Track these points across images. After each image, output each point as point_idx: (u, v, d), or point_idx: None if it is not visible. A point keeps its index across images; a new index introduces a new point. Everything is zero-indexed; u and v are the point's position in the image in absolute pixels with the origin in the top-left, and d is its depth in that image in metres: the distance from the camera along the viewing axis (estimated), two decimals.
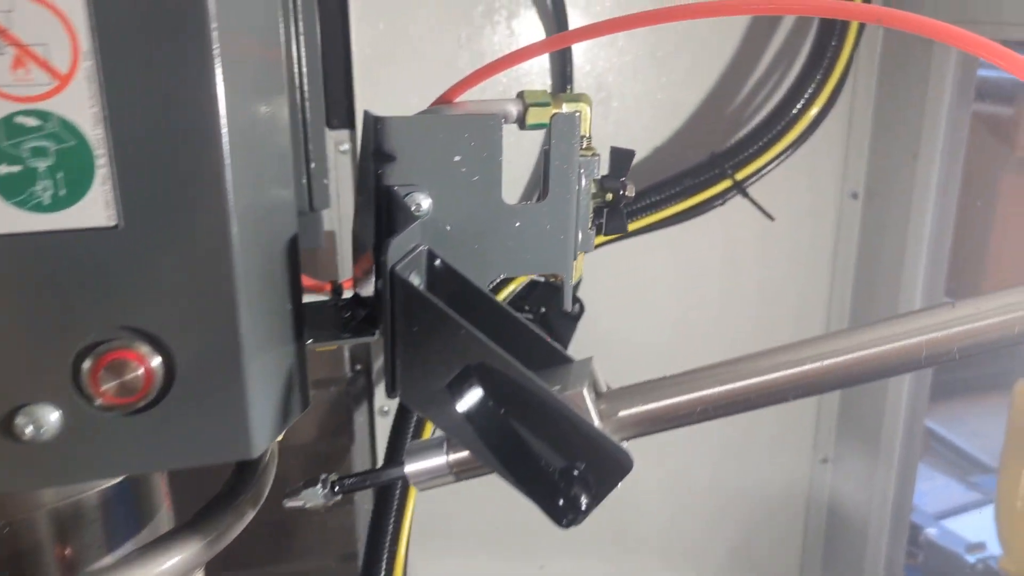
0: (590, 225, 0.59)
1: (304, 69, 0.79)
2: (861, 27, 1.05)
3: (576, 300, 1.13)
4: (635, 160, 1.15)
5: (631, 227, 1.07)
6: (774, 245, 1.26)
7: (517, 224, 0.55)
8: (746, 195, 1.07)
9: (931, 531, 1.56)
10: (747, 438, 1.35)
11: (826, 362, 0.39)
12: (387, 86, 1.02)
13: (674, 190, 1.06)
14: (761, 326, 1.30)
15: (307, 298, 0.73)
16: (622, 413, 0.42)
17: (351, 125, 1.03)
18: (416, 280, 0.42)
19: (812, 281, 1.31)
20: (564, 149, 0.54)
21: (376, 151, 0.50)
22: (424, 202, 0.51)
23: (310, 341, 0.54)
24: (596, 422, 0.41)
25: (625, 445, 0.43)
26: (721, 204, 1.06)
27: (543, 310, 1.07)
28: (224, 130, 0.35)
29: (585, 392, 0.41)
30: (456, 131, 0.51)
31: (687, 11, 0.48)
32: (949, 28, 0.40)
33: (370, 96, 1.01)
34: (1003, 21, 1.01)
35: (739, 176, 1.05)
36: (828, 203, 1.27)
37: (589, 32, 0.54)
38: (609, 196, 0.59)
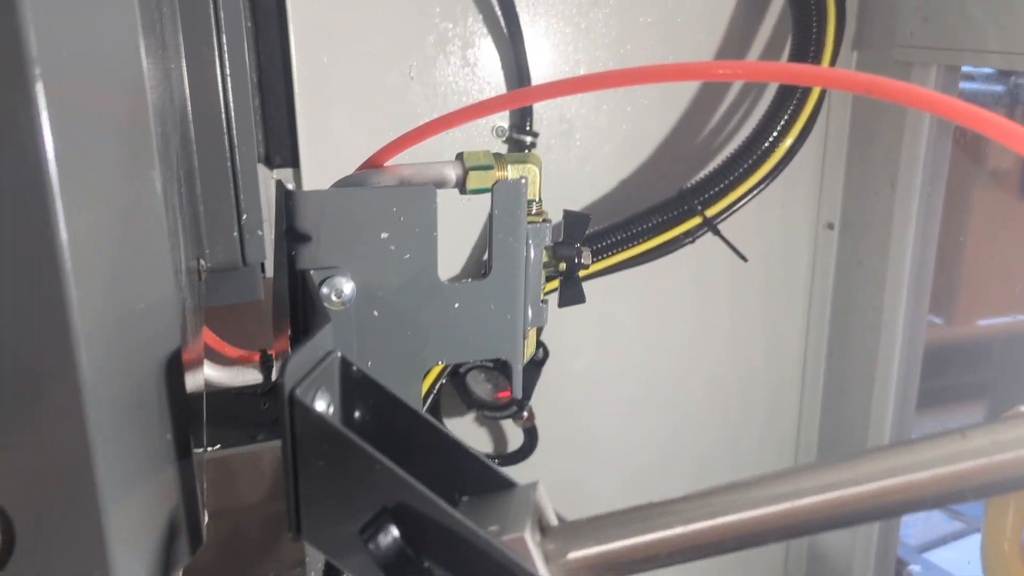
0: (542, 298, 0.52)
1: (232, 110, 0.72)
2: (836, 50, 0.99)
3: (540, 345, 1.06)
4: (601, 194, 1.09)
5: (599, 266, 1.00)
6: (747, 281, 1.20)
7: (457, 305, 0.48)
8: (717, 233, 1.01)
9: (915, 568, 1.50)
10: (724, 468, 1.29)
11: (810, 500, 0.33)
12: (333, 122, 0.95)
13: (641, 227, 1.00)
14: (735, 365, 1.25)
15: (232, 373, 0.66)
16: (572, 555, 0.35)
17: (295, 164, 0.96)
18: (323, 402, 0.35)
19: (787, 317, 1.25)
20: (508, 220, 0.47)
21: (288, 229, 0.43)
22: (346, 287, 0.44)
23: (216, 447, 0.46)
24: (541, 569, 0.34)
25: None
26: (691, 242, 1.00)
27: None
28: (61, 227, 0.28)
29: (527, 535, 0.34)
30: (382, 204, 0.44)
31: (664, 72, 0.42)
32: (944, 99, 0.34)
33: (315, 133, 0.94)
34: (982, 48, 0.96)
35: (709, 213, 0.99)
36: (803, 235, 1.22)
37: (550, 91, 0.48)
38: (563, 265, 0.52)
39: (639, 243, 1.00)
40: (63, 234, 0.27)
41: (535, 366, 1.06)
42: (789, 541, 1.38)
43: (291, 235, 0.43)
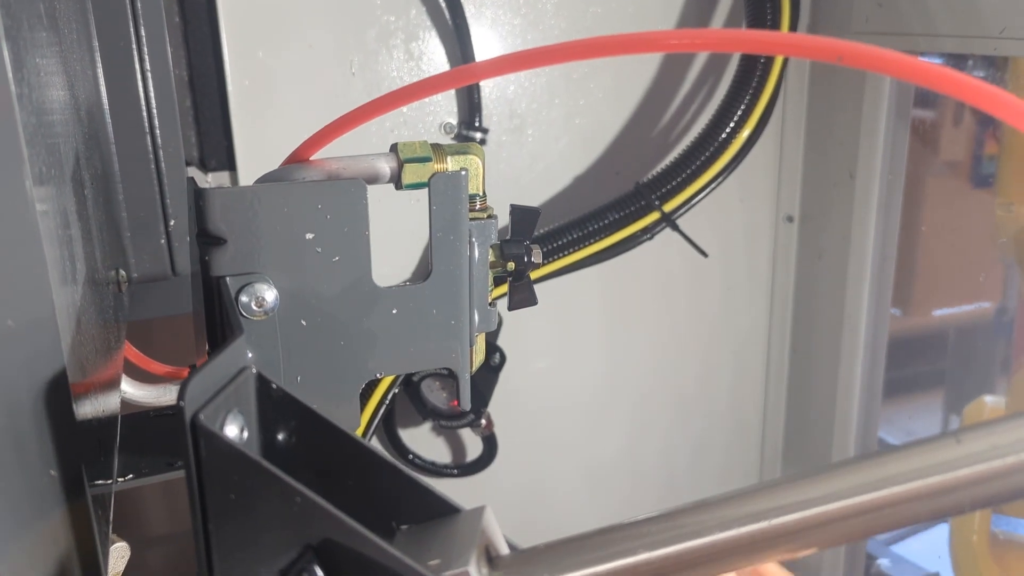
0: (489, 301, 0.48)
1: (155, 112, 0.67)
2: None
3: (497, 349, 1.02)
4: (555, 191, 1.05)
5: (555, 266, 0.96)
6: (708, 277, 1.17)
7: (395, 311, 0.44)
8: (676, 228, 0.98)
9: (883, 561, 1.49)
10: (688, 466, 1.26)
11: (791, 517, 0.29)
12: (271, 121, 0.90)
13: (598, 224, 0.96)
14: (699, 361, 1.22)
15: (158, 392, 0.60)
16: None
17: (231, 166, 0.91)
18: (234, 427, 0.30)
19: (750, 312, 1.23)
20: (448, 216, 0.43)
21: (200, 232, 0.39)
22: (268, 294, 0.40)
23: (128, 476, 0.42)
24: None
25: None
26: (649, 239, 0.97)
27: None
28: None
29: (472, 569, 0.30)
30: (307, 202, 0.40)
31: (615, 45, 0.38)
32: (918, 63, 0.30)
33: (252, 133, 0.89)
34: (934, 32, 0.94)
35: (667, 207, 0.96)
36: (763, 228, 1.19)
37: (495, 67, 0.43)
38: (511, 265, 0.48)
39: (596, 241, 0.96)
40: None
41: (492, 371, 1.01)
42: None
43: (203, 238, 0.39)
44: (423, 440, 1.08)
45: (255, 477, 0.29)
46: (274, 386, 0.33)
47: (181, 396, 0.29)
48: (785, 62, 0.97)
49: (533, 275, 0.95)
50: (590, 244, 0.96)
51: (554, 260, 0.95)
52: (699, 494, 1.06)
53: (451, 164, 0.45)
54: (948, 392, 1.40)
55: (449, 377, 0.97)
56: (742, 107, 0.97)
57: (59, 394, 0.30)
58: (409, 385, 0.98)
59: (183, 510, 1.02)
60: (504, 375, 1.04)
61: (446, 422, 1.01)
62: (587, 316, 1.12)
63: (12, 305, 0.28)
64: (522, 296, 0.51)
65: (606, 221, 0.96)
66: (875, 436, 1.20)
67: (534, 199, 1.04)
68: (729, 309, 1.21)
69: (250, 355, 0.34)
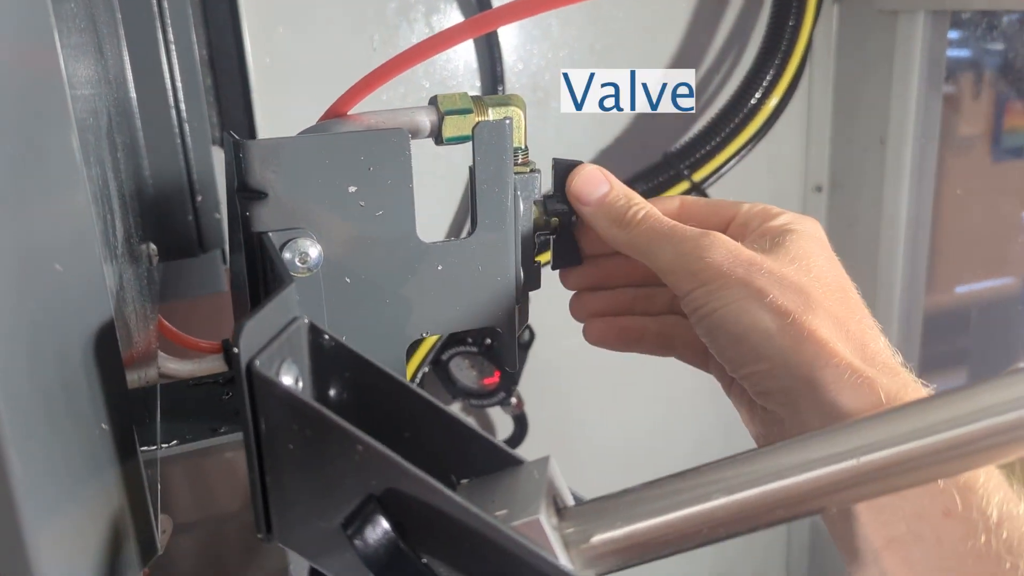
0: (535, 258, 0.47)
1: (179, 86, 0.66)
2: (819, 4, 0.94)
3: (526, 326, 1.01)
4: None
5: None
6: None
7: (440, 268, 0.42)
8: (706, 197, 0.96)
9: None
10: (720, 442, 1.24)
11: (886, 454, 0.27)
12: (292, 99, 0.89)
13: None
14: None
15: (194, 365, 0.59)
16: (597, 539, 0.29)
17: None
18: (289, 377, 0.29)
19: None
20: (493, 168, 0.42)
21: (240, 187, 0.38)
22: (312, 250, 0.38)
23: (172, 443, 0.41)
24: (561, 559, 0.29)
25: None
26: None
27: (488, 341, 0.95)
28: None
29: (543, 518, 0.29)
30: (347, 153, 0.39)
31: None
32: None
33: (273, 109, 0.88)
34: None
35: (696, 177, 0.94)
36: (790, 198, 1.17)
37: (516, 10, 0.42)
38: (555, 220, 0.46)
39: None
40: None
41: (522, 349, 1.00)
42: (790, 533, 1.34)
43: (244, 192, 0.37)
44: None
45: (315, 426, 0.28)
46: (326, 336, 0.32)
47: (235, 341, 0.28)
48: (813, 26, 0.95)
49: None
50: None
51: None
52: None
53: (492, 115, 0.43)
54: (972, 368, 1.38)
55: (478, 355, 0.96)
56: (770, 74, 0.95)
57: (107, 345, 0.29)
58: (438, 364, 0.97)
59: (209, 496, 1.02)
60: (533, 353, 1.03)
61: (476, 401, 1.00)
62: None
63: (60, 249, 0.27)
64: (566, 254, 0.50)
65: (636, 192, 0.94)
66: None
67: None
68: None
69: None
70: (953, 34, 1.27)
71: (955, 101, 1.52)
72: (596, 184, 0.45)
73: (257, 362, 0.27)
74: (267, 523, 0.30)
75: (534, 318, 1.02)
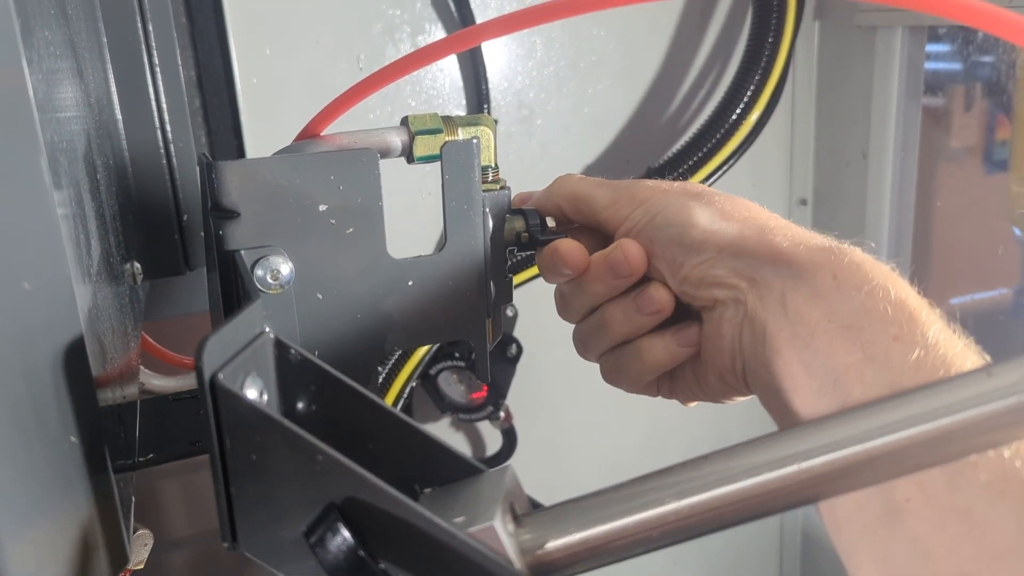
0: (506, 273, 0.48)
1: (164, 107, 0.67)
2: (798, 21, 0.96)
3: (514, 340, 1.02)
4: None
5: None
6: None
7: (411, 283, 0.43)
8: None
9: None
10: None
11: (823, 459, 0.28)
12: (280, 118, 0.90)
13: None
14: None
15: (177, 381, 0.60)
16: (551, 545, 0.30)
17: None
18: (254, 390, 0.30)
19: None
20: (462, 185, 0.43)
21: (213, 206, 0.39)
22: (283, 268, 0.39)
23: (149, 456, 0.41)
24: (516, 563, 0.30)
25: None
26: None
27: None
28: None
29: (497, 524, 0.30)
30: (318, 173, 0.40)
31: None
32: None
33: (261, 130, 0.89)
34: None
35: None
36: (775, 211, 1.18)
37: (496, 27, 0.43)
38: (525, 235, 0.47)
39: None
40: None
41: (510, 363, 1.01)
42: (783, 531, 1.34)
43: (216, 212, 0.39)
44: (442, 434, 1.07)
45: (276, 436, 0.29)
46: (292, 350, 0.33)
47: (198, 357, 0.29)
48: (793, 42, 0.97)
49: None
50: None
51: None
52: None
53: (462, 135, 0.45)
54: None
55: (466, 370, 0.96)
56: (751, 90, 0.97)
57: (76, 361, 0.30)
58: (427, 379, 0.98)
59: (202, 511, 1.02)
60: (521, 367, 1.04)
61: (464, 416, 1.00)
62: None
63: (28, 268, 0.28)
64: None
65: None
66: None
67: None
68: None
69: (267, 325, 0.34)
70: (943, 47, 1.28)
71: (946, 114, 1.53)
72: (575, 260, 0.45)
73: (220, 375, 0.29)
74: (232, 532, 0.30)
75: (522, 333, 1.03)
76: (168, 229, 0.69)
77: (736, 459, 0.30)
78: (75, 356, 0.30)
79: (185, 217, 0.70)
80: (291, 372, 0.33)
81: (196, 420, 0.47)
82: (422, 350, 0.90)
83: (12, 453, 0.27)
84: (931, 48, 1.24)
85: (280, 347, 0.33)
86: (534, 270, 0.94)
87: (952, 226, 1.43)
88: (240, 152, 0.90)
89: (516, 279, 0.87)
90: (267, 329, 0.32)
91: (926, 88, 1.24)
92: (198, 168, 0.41)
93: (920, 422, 0.28)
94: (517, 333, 1.03)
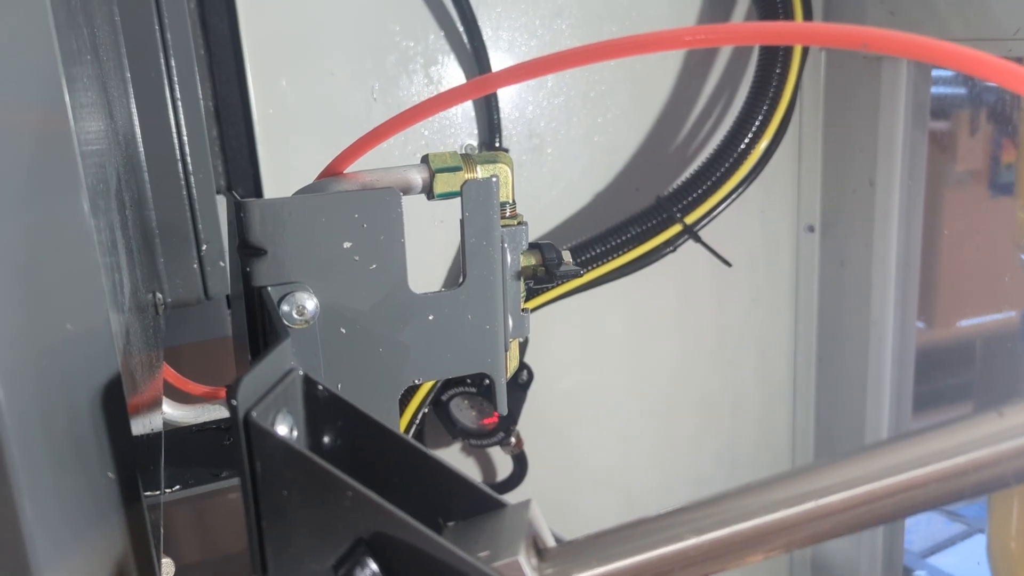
0: (522, 307, 0.49)
1: (185, 139, 0.69)
2: (805, 51, 0.97)
3: (524, 367, 1.03)
4: (576, 209, 1.06)
5: (578, 281, 0.97)
6: (731, 288, 1.17)
7: (431, 317, 0.44)
8: (698, 240, 0.98)
9: (920, 573, 1.47)
10: (720, 481, 1.25)
11: (838, 497, 0.29)
12: (296, 148, 0.92)
13: (621, 239, 0.97)
14: (726, 373, 1.21)
15: (196, 411, 0.61)
16: None
17: (258, 193, 0.92)
18: (284, 426, 0.31)
19: (775, 323, 1.23)
20: (481, 222, 0.44)
21: (241, 244, 0.40)
22: (308, 303, 0.40)
23: (175, 488, 0.42)
24: None
25: None
26: (672, 251, 0.97)
27: (487, 381, 0.97)
28: None
29: (522, 559, 0.30)
30: (342, 211, 0.41)
31: (624, 47, 0.39)
32: (945, 46, 0.31)
33: (276, 160, 0.91)
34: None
35: (689, 220, 0.97)
36: (784, 239, 1.20)
37: (511, 76, 0.44)
38: (541, 270, 0.48)
39: (619, 255, 0.96)
40: None
41: (520, 389, 1.02)
42: (792, 560, 1.34)
43: (244, 249, 0.40)
44: (453, 460, 1.08)
45: (307, 473, 0.30)
46: (320, 387, 0.34)
47: (232, 395, 0.30)
48: (800, 72, 0.98)
49: (558, 291, 0.95)
50: (614, 258, 0.96)
51: (579, 275, 0.96)
52: None
53: (481, 173, 0.46)
54: (978, 404, 1.39)
55: (477, 395, 0.97)
56: (759, 119, 0.98)
57: (114, 399, 0.31)
58: (438, 405, 0.99)
59: (216, 536, 1.03)
60: (532, 393, 1.04)
61: (476, 441, 1.01)
62: (613, 333, 1.13)
63: (71, 310, 0.29)
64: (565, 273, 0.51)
65: (629, 235, 0.96)
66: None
67: (556, 217, 1.05)
68: (754, 320, 1.21)
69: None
70: (948, 72, 1.30)
71: (951, 138, 1.54)
72: None
73: (254, 413, 0.30)
74: (263, 565, 0.31)
75: (532, 359, 1.04)
76: (188, 259, 0.70)
77: (752, 496, 0.31)
78: (112, 394, 0.31)
79: (204, 247, 0.71)
80: (318, 408, 0.34)
81: (218, 451, 0.48)
82: None
83: (53, 489, 0.28)
84: (937, 73, 1.25)
85: (308, 384, 0.34)
86: (544, 297, 0.95)
87: (959, 250, 1.43)
88: (256, 181, 0.91)
89: (527, 305, 0.88)
90: (297, 367, 0.33)
91: (933, 113, 1.25)
92: (227, 206, 0.42)
93: (934, 460, 0.29)
94: (527, 359, 1.04)
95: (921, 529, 1.72)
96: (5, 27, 0.26)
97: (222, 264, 0.73)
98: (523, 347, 1.04)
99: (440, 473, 0.34)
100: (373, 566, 0.30)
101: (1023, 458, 0.28)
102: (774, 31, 0.32)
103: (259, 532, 0.31)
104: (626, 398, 1.16)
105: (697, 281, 1.14)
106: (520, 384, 1.02)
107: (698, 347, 1.18)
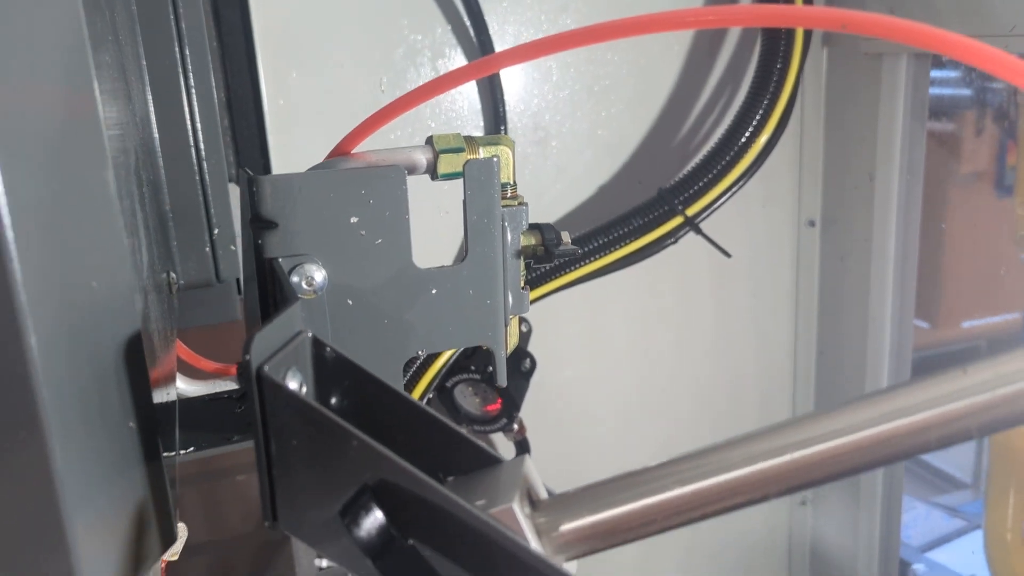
0: (522, 284, 0.51)
1: (199, 126, 0.71)
2: (806, 48, 0.99)
3: (527, 355, 1.05)
4: (580, 201, 1.08)
5: (582, 271, 0.99)
6: (732, 281, 1.19)
7: (434, 291, 0.46)
8: (699, 231, 1.00)
9: (918, 567, 1.48)
10: None
11: (813, 449, 0.31)
12: (305, 138, 0.94)
13: (623, 230, 0.99)
14: (726, 365, 1.23)
15: (207, 387, 0.64)
16: (564, 527, 0.33)
17: None
18: (294, 380, 0.33)
19: (775, 315, 1.24)
20: (483, 200, 0.46)
21: (253, 217, 0.42)
22: (317, 275, 0.43)
23: (189, 449, 0.44)
24: (532, 542, 0.32)
25: (571, 567, 0.34)
26: (674, 242, 0.99)
27: (491, 368, 0.99)
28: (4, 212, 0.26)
29: (516, 506, 0.32)
30: (350, 187, 0.43)
31: (625, 27, 0.41)
32: (924, 29, 0.33)
33: (286, 149, 0.93)
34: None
35: (690, 212, 0.98)
36: (785, 233, 1.21)
37: (512, 56, 0.46)
38: (540, 249, 0.50)
39: (622, 246, 0.98)
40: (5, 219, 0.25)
41: (523, 377, 1.04)
42: (792, 543, 1.36)
43: (257, 222, 0.42)
44: None
45: (315, 424, 0.32)
46: (328, 348, 0.36)
47: (247, 350, 0.32)
48: (801, 68, 1.00)
49: (561, 281, 0.97)
50: (616, 249, 0.98)
51: (581, 266, 0.98)
52: None
53: (483, 154, 0.48)
54: None
55: (481, 382, 0.99)
56: (759, 114, 1.00)
57: (135, 354, 0.33)
58: (443, 391, 1.01)
59: (221, 518, 1.05)
60: (535, 381, 1.06)
61: (479, 427, 1.03)
62: (614, 324, 1.15)
63: (96, 269, 0.31)
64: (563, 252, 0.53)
65: (631, 226, 0.98)
66: None
67: (560, 209, 1.07)
68: (755, 313, 1.23)
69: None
70: (954, 73, 1.31)
71: (956, 139, 1.55)
72: None
73: (266, 367, 0.32)
74: (273, 512, 0.33)
75: (536, 348, 1.06)
76: (200, 242, 0.72)
77: (733, 449, 0.32)
78: (133, 349, 0.33)
79: (216, 231, 0.73)
80: (326, 368, 0.36)
81: (230, 418, 0.50)
82: (439, 363, 0.92)
83: (78, 436, 0.30)
84: (942, 75, 1.27)
85: (317, 345, 0.36)
86: (548, 287, 0.97)
87: (964, 251, 1.45)
88: (266, 168, 0.94)
89: (534, 294, 0.90)
90: (306, 329, 0.35)
91: (939, 114, 1.27)
92: (240, 182, 0.44)
93: (904, 415, 0.31)
94: (531, 348, 1.06)
95: (920, 524, 1.73)
96: (43, 6, 0.29)
97: (232, 248, 0.75)
98: (527, 336, 1.06)
99: (441, 430, 0.36)
100: (377, 512, 0.32)
101: (986, 413, 0.30)
102: (757, 13, 0.34)
103: (270, 481, 0.33)
104: (627, 387, 1.18)
105: (699, 274, 1.16)
106: (523, 372, 1.04)
107: (698, 340, 1.20)
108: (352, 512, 0.32)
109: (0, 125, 0.26)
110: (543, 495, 0.35)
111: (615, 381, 1.16)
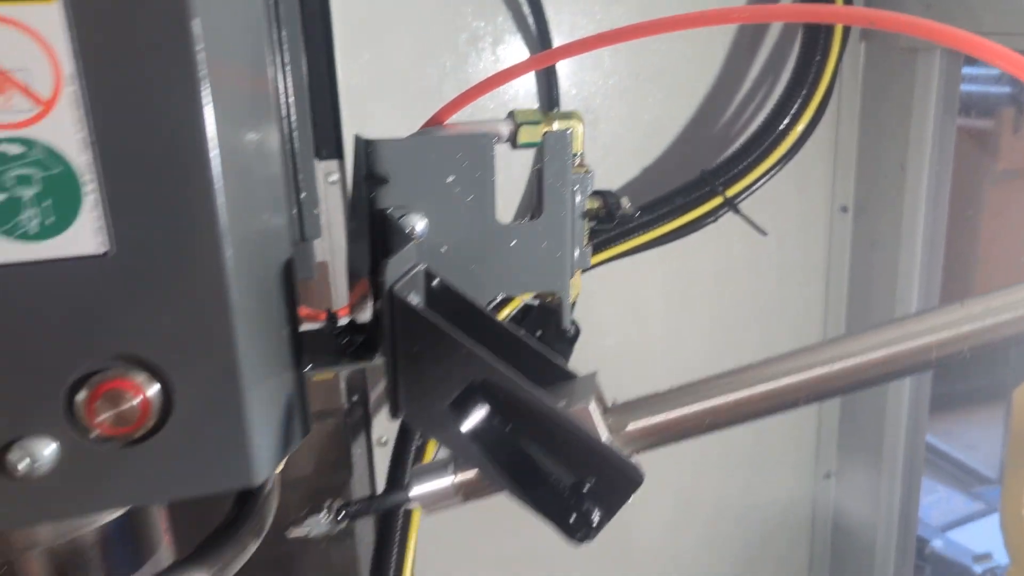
0: (585, 243, 0.59)
1: (291, 100, 0.79)
2: (844, 41, 1.05)
3: (572, 322, 1.12)
4: (625, 181, 1.15)
5: (624, 247, 1.06)
6: (767, 261, 1.26)
7: (513, 243, 0.54)
8: (737, 211, 1.07)
9: (937, 543, 1.55)
10: (749, 455, 1.34)
11: (835, 366, 0.39)
12: (374, 116, 1.02)
13: (666, 209, 1.06)
14: (757, 341, 1.30)
15: (303, 327, 0.72)
16: (630, 427, 0.41)
17: (339, 155, 1.03)
18: (415, 299, 0.41)
19: (807, 295, 1.31)
20: (557, 167, 0.53)
21: (368, 174, 0.50)
22: (419, 224, 0.51)
23: (309, 367, 0.53)
24: (604, 436, 0.40)
25: (635, 459, 0.42)
26: (713, 221, 1.06)
27: (539, 333, 1.06)
28: (213, 154, 0.35)
29: (592, 407, 0.40)
30: (448, 152, 0.51)
31: (675, 23, 0.48)
32: (942, 28, 0.40)
33: (357, 126, 1.01)
34: None
35: (730, 193, 1.05)
36: (818, 217, 1.28)
37: (573, 48, 0.54)
38: (601, 211, 0.58)
39: (664, 223, 1.06)
40: (214, 162, 0.34)
41: (567, 342, 1.11)
42: (815, 515, 1.43)
43: (371, 179, 0.50)
44: None
45: (433, 332, 0.40)
46: (437, 279, 0.44)
47: (381, 273, 0.40)
48: (839, 61, 1.06)
49: (608, 253, 1.05)
50: (659, 226, 1.05)
51: (626, 240, 1.05)
52: (758, 468, 1.15)
53: (557, 127, 0.55)
54: (1006, 401, 1.46)
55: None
56: (798, 103, 1.06)
57: (287, 274, 0.42)
58: None
59: (320, 458, 1.12)
60: (577, 350, 1.14)
61: None
62: (654, 296, 1.22)
63: (266, 207, 0.39)
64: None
65: (674, 205, 1.05)
66: (925, 413, 1.27)
67: (607, 187, 1.14)
68: (786, 294, 1.29)
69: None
70: (992, 71, 1.36)
71: (994, 136, 1.59)
72: None
73: (396, 287, 0.40)
74: (396, 406, 0.41)
75: (580, 316, 1.13)
76: (289, 204, 0.81)
77: (768, 367, 0.40)
78: (287, 270, 0.42)
79: (303, 194, 0.81)
80: (435, 295, 0.44)
81: (335, 347, 0.58)
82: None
83: (255, 331, 0.38)
84: (982, 72, 1.32)
85: (428, 276, 0.44)
86: (595, 259, 1.05)
87: (997, 243, 1.49)
88: (339, 144, 1.02)
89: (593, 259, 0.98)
90: (420, 262, 0.43)
91: (977, 110, 1.32)
92: (354, 147, 0.52)
93: (908, 339, 0.38)
94: (576, 315, 1.13)
95: (942, 505, 1.79)
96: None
97: (316, 211, 0.84)
98: (572, 304, 1.14)
99: (526, 349, 0.44)
100: (482, 404, 0.40)
101: (977, 338, 0.37)
102: (796, 10, 0.41)
103: (395, 378, 0.41)
104: (664, 358, 1.25)
105: (734, 251, 1.23)
106: (568, 339, 1.12)
107: (732, 319, 1.27)
108: (461, 405, 0.40)
109: (217, 95, 0.34)
110: (609, 403, 0.43)
111: (652, 351, 1.24)
